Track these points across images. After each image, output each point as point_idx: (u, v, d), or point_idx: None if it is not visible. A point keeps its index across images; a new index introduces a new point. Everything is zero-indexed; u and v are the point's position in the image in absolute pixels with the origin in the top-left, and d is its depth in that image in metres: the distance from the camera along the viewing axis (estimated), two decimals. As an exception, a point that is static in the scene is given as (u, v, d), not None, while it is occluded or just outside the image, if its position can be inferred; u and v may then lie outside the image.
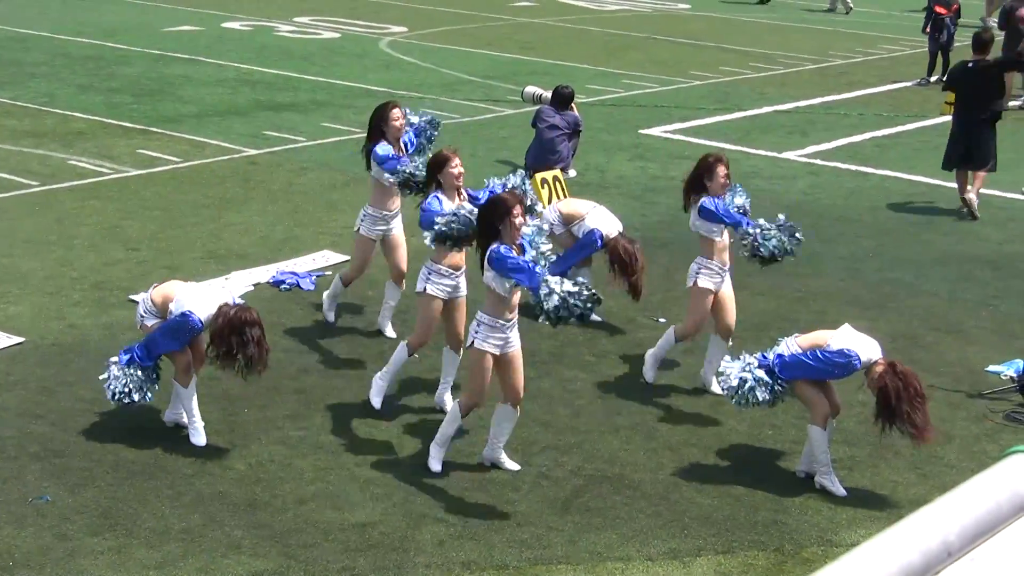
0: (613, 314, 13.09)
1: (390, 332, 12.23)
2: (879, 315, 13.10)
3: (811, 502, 9.57)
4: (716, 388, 11.00)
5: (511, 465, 9.85)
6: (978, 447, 10.56)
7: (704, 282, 11.05)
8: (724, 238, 11.04)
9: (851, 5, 38.15)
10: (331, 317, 12.51)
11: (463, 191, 10.47)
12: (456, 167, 10.42)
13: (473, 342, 9.48)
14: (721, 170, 10.92)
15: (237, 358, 9.67)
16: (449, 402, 10.62)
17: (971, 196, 17.18)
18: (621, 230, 12.76)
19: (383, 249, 12.22)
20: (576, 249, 12.74)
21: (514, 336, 9.52)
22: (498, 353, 9.45)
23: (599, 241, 12.58)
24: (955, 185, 17.60)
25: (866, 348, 9.49)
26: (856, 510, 9.50)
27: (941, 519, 3.38)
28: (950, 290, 14.43)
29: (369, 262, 12.30)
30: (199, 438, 10.01)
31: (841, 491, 9.66)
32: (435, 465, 9.77)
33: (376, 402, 10.71)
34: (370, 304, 12.86)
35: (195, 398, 10.07)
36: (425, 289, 10.45)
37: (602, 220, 12.77)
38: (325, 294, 12.59)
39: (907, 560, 3.23)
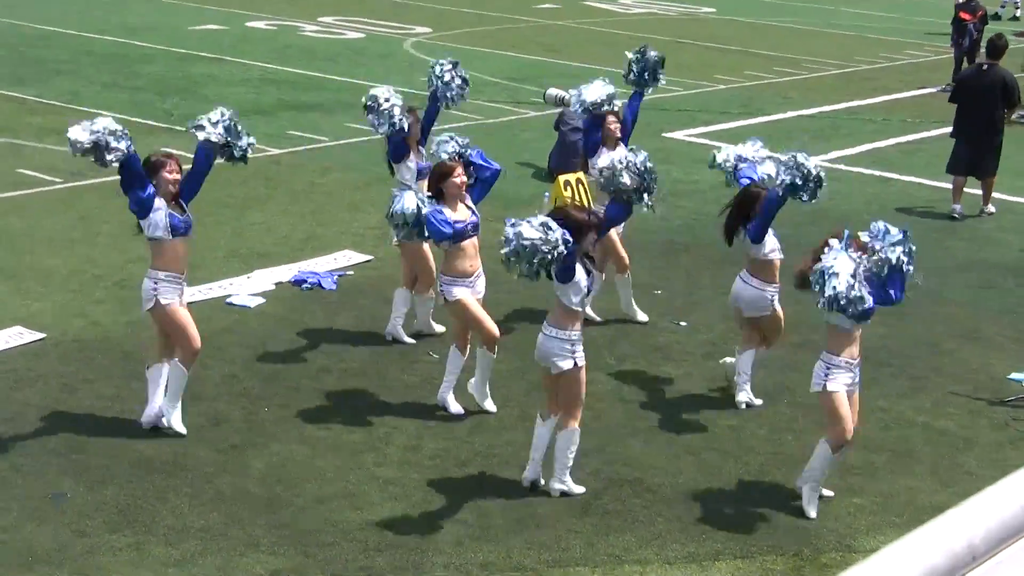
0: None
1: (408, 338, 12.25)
2: (900, 321, 13.04)
3: (830, 508, 9.53)
4: (742, 397, 11.16)
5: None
6: (999, 454, 10.51)
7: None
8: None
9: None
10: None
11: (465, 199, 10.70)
12: (459, 176, 10.56)
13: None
14: None
15: None
16: (452, 402, 10.79)
17: (990, 208, 17.43)
18: None
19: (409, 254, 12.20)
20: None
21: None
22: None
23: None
24: (979, 192, 17.59)
25: None
26: (875, 516, 9.46)
27: (967, 522, 3.36)
28: (972, 297, 14.37)
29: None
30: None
31: (812, 513, 9.40)
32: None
33: (489, 405, 10.84)
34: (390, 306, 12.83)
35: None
36: (456, 299, 10.57)
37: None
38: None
39: (932, 562, 3.21)
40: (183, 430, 10.10)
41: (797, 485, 9.62)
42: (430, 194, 10.62)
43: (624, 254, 12.92)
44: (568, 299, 9.19)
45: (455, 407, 10.77)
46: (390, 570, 8.43)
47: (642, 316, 13.00)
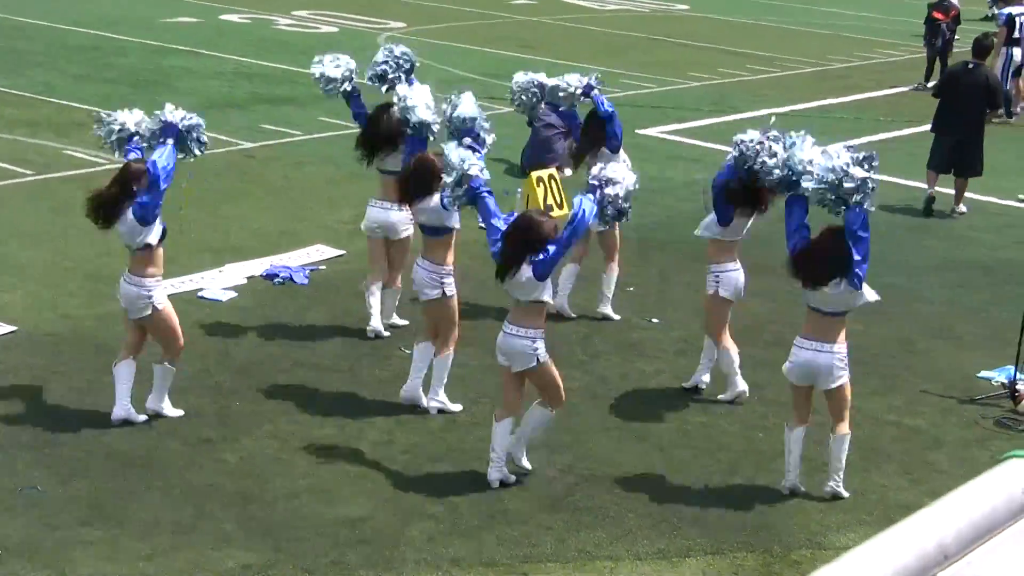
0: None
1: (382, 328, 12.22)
2: (874, 320, 13.06)
3: (801, 505, 9.56)
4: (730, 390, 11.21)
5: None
6: (968, 452, 10.56)
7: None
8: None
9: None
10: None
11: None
12: None
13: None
14: None
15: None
16: (422, 397, 10.73)
17: (961, 208, 17.56)
18: None
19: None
20: None
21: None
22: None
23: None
24: (951, 191, 17.69)
25: None
26: (846, 514, 9.49)
27: (937, 522, 3.38)
28: (947, 296, 14.42)
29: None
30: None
31: (846, 493, 9.68)
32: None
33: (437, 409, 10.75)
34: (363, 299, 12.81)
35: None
36: (453, 294, 10.61)
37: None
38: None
39: (902, 563, 3.22)
40: (179, 412, 10.25)
41: (783, 487, 9.67)
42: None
43: (616, 243, 12.93)
44: (547, 295, 9.26)
45: (425, 402, 10.76)
46: (361, 565, 8.42)
47: (613, 316, 13.00)
